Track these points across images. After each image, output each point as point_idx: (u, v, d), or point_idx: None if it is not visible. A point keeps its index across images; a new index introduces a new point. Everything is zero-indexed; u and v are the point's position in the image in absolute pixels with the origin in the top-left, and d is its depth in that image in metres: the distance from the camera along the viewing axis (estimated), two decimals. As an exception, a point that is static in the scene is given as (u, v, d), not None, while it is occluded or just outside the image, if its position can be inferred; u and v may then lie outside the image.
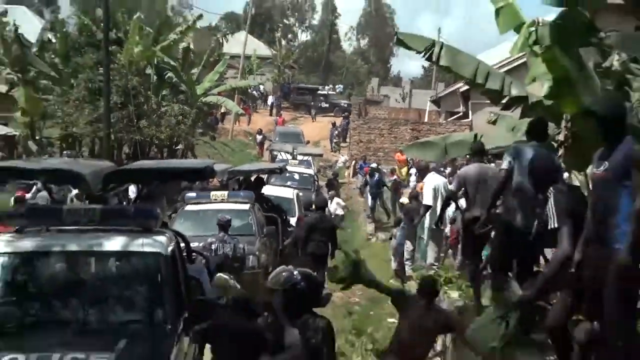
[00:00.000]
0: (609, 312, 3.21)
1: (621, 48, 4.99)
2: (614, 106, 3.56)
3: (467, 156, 6.78)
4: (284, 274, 3.87)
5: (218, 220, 7.28)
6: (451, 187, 6.36)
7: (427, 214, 8.38)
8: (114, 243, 4.67)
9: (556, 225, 3.88)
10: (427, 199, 8.33)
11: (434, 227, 7.72)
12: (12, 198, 9.84)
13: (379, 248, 13.05)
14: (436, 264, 8.32)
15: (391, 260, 10.56)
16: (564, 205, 3.85)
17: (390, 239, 10.98)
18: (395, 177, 18.07)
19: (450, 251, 8.76)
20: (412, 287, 7.11)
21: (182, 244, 5.23)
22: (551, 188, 4.06)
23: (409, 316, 4.87)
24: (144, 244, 4.68)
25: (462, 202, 6.20)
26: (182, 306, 4.66)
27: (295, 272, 3.87)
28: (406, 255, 9.54)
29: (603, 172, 3.36)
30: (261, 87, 34.89)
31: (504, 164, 4.61)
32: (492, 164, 6.74)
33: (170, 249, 4.74)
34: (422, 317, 4.77)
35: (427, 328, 4.81)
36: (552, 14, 5.18)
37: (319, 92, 36.94)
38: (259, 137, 27.48)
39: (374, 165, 18.21)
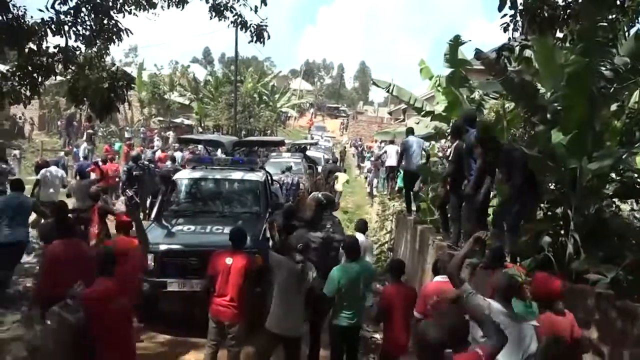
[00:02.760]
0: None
1: (480, 88, 9.16)
2: (470, 115, 6.69)
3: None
4: (317, 196, 8.31)
5: (285, 166, 12.78)
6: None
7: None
8: (237, 174, 8.49)
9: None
10: (390, 161, 13.31)
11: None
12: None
13: (360, 181, 24.04)
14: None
15: (366, 189, 19.50)
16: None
17: (366, 178, 20.22)
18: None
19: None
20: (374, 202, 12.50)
21: (269, 176, 9.18)
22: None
23: None
24: (251, 175, 8.46)
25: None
26: (268, 206, 8.10)
27: (321, 195, 8.37)
28: (374, 186, 17.28)
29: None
30: (307, 104, 63.32)
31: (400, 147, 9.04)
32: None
33: (263, 178, 8.57)
34: None
35: None
36: (447, 71, 9.27)
37: (338, 107, 67.72)
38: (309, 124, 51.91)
39: (359, 143, 35.67)
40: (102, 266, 4.27)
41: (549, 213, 6.65)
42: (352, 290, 5.20)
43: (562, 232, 6.29)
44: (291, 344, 5.14)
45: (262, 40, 7.69)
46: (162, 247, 6.71)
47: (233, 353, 5.35)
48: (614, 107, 6.33)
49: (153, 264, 6.58)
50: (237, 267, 5.29)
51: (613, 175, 6.31)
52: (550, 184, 6.66)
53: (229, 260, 5.35)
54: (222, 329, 5.36)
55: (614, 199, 6.44)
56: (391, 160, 13.06)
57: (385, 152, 14.17)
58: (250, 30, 7.70)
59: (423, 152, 8.98)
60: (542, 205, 6.76)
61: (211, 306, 5.39)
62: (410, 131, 9.15)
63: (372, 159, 22.13)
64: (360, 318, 5.42)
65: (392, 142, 13.31)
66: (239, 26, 7.80)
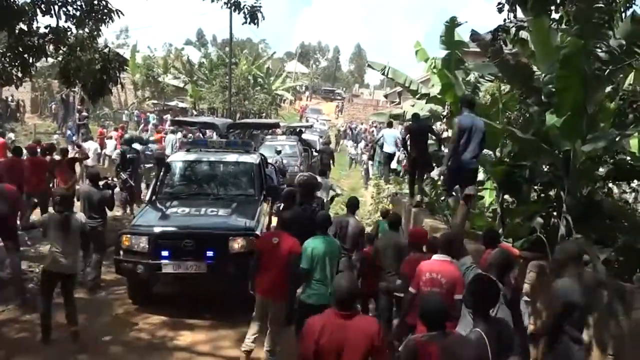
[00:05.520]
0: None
1: (475, 70, 9.12)
2: (463, 99, 6.91)
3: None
4: (302, 176, 8.32)
5: (275, 148, 12.66)
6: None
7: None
8: (232, 157, 8.43)
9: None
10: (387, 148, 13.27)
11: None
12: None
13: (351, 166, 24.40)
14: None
15: (362, 172, 19.68)
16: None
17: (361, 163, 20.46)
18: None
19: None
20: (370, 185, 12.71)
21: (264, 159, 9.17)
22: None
23: None
24: (245, 158, 8.41)
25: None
26: (263, 188, 8.08)
27: (306, 175, 8.36)
28: (369, 170, 16.86)
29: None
30: (303, 87, 62.87)
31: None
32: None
33: (258, 160, 8.47)
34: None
35: None
36: (443, 53, 9.16)
37: (334, 90, 65.25)
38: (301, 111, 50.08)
39: (354, 125, 36.12)
40: None
41: (542, 195, 6.68)
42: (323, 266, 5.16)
43: (555, 213, 6.33)
44: (66, 280, 5.74)
45: (256, 21, 7.62)
46: (157, 230, 6.71)
47: (272, 334, 5.39)
48: (608, 89, 6.32)
49: (148, 246, 6.57)
50: (282, 247, 5.31)
51: (606, 157, 6.31)
52: (544, 166, 6.68)
53: (275, 240, 5.40)
54: (264, 308, 5.41)
55: (606, 181, 6.46)
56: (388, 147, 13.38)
57: (382, 136, 14.23)
58: (244, 12, 7.62)
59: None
60: (535, 187, 6.80)
61: (256, 284, 5.45)
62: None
63: (363, 143, 22.50)
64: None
65: (390, 124, 13.32)
66: (233, 7, 7.72)
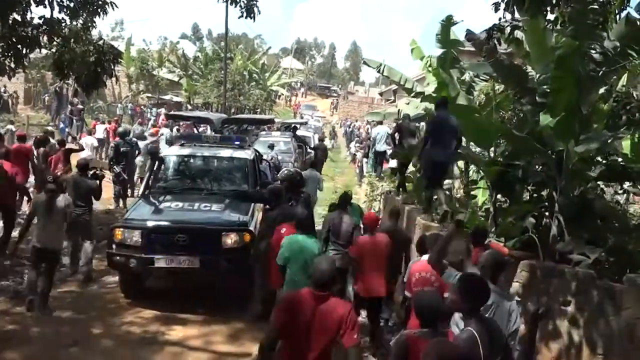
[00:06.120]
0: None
1: (470, 70, 9.18)
2: (440, 99, 7.32)
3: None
4: (286, 172, 8.30)
5: (268, 144, 12.56)
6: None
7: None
8: (226, 152, 8.40)
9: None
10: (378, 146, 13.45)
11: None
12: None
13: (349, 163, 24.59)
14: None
15: (356, 169, 19.96)
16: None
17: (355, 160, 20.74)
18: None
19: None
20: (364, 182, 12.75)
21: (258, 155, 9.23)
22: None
23: None
24: (240, 153, 8.38)
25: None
26: (256, 184, 8.05)
27: (292, 171, 8.32)
28: (363, 168, 17.12)
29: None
30: (298, 84, 62.89)
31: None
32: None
33: (252, 156, 8.46)
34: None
35: None
36: (439, 51, 9.04)
37: (329, 87, 66.69)
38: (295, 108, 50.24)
39: (349, 123, 35.08)
40: None
41: (535, 195, 6.72)
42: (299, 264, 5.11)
43: (547, 213, 6.36)
44: (50, 255, 6.22)
45: (252, 15, 7.61)
46: (150, 224, 6.70)
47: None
48: (601, 90, 6.36)
49: (140, 240, 6.55)
50: (283, 237, 5.34)
51: (598, 158, 6.35)
52: (536, 166, 6.71)
53: (283, 230, 5.49)
54: None
55: (598, 182, 6.50)
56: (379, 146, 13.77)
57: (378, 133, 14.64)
58: (240, 5, 7.61)
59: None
60: (528, 187, 6.84)
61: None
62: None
63: (357, 141, 22.59)
64: None
65: (380, 122, 13.61)
66: (229, 1, 7.70)
